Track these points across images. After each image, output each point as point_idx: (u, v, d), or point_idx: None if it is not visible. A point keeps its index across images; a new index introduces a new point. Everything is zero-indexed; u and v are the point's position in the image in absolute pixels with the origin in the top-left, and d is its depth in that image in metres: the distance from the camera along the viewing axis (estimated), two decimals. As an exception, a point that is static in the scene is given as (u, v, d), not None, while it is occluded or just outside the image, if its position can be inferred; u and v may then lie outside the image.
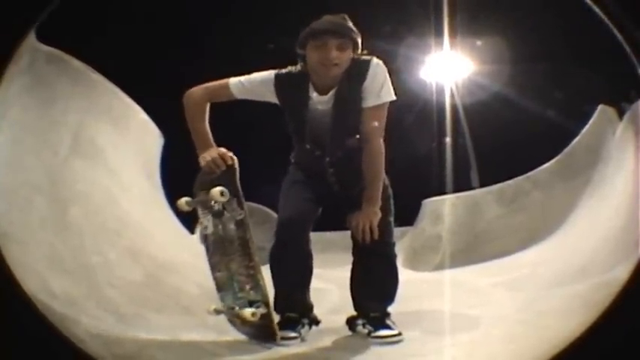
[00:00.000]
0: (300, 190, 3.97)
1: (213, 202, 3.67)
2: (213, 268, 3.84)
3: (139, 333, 3.56)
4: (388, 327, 3.79)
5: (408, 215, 10.64)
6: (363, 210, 3.72)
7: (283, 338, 3.72)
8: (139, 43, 11.90)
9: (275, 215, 4.24)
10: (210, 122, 3.82)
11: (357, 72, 3.70)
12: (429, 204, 10.53)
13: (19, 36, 2.14)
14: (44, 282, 3.47)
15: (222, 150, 3.68)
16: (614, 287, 2.11)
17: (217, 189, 3.56)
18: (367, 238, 3.71)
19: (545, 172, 9.17)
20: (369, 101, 3.73)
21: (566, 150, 8.89)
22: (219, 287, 3.83)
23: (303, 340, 3.82)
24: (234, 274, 3.71)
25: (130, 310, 3.91)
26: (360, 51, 3.73)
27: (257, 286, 3.64)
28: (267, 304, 3.64)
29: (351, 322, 4.04)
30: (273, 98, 3.87)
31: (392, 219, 3.95)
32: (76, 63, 5.29)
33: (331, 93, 3.76)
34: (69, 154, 4.77)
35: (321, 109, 3.80)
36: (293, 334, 3.79)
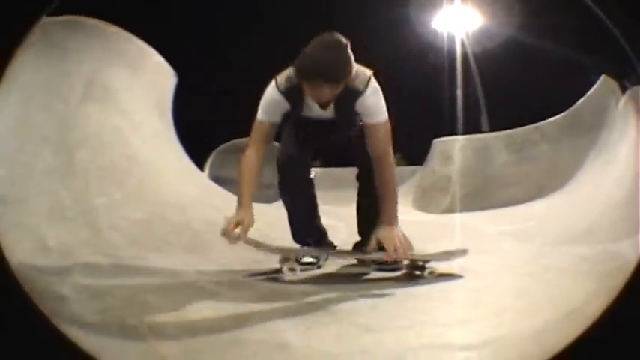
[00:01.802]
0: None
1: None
2: None
3: (134, 277, 3.56)
4: None
5: (418, 155, 10.64)
6: (388, 232, 3.71)
7: (302, 264, 4.00)
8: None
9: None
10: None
11: (355, 92, 3.78)
12: (439, 144, 10.50)
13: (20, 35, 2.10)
14: (40, 237, 3.47)
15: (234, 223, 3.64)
16: (620, 262, 2.06)
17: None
18: (404, 254, 3.74)
19: (552, 125, 9.23)
20: (368, 119, 3.86)
21: (572, 108, 8.98)
22: None
23: (320, 266, 4.10)
24: None
25: (129, 252, 3.94)
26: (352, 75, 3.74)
27: None
28: None
29: (356, 249, 4.23)
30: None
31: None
32: (91, 21, 5.40)
33: (330, 107, 3.89)
34: (80, 101, 4.83)
35: (324, 117, 3.97)
36: (311, 260, 4.08)
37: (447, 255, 3.99)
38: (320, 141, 4.16)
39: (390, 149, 3.87)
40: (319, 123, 4.02)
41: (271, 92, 3.90)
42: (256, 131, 3.93)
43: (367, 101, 3.80)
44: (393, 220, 3.74)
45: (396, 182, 3.85)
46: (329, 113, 3.94)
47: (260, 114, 3.93)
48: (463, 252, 3.96)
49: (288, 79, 3.85)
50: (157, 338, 2.54)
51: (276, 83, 3.88)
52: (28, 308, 2.03)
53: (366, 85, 3.78)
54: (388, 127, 3.88)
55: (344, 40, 3.63)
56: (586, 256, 4.04)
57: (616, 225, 4.44)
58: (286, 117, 3.98)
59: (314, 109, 3.93)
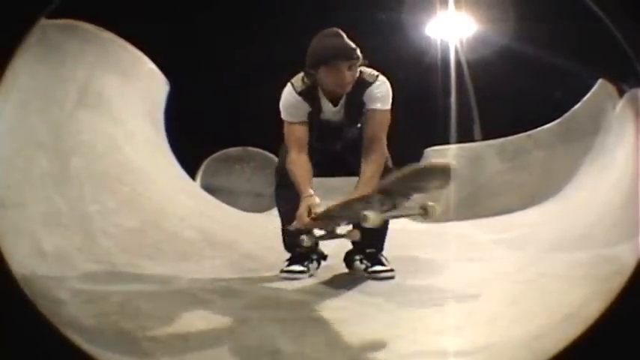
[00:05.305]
0: None
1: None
2: None
3: (127, 283, 3.55)
4: (382, 263, 4.14)
5: (410, 164, 10.66)
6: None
7: (292, 272, 4.05)
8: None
9: (276, 160, 4.43)
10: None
11: (364, 84, 3.96)
12: (432, 153, 10.49)
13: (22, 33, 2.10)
14: (37, 242, 3.48)
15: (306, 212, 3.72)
16: (617, 266, 2.06)
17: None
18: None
19: (546, 133, 9.30)
20: (371, 105, 3.98)
21: (567, 114, 9.04)
22: None
23: (311, 275, 4.12)
24: None
25: (122, 259, 3.94)
26: (362, 61, 3.91)
27: None
28: None
29: (348, 258, 4.34)
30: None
31: None
32: (87, 26, 5.43)
33: (341, 103, 4.01)
34: (75, 107, 4.86)
35: (332, 119, 4.07)
36: (301, 269, 4.08)
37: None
38: (324, 147, 4.19)
39: (383, 136, 3.99)
40: (327, 126, 4.08)
41: (289, 95, 4.01)
42: (291, 133, 4.03)
43: (374, 90, 3.96)
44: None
45: (379, 171, 3.89)
46: (339, 111, 4.02)
47: (287, 117, 4.03)
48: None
49: (303, 81, 3.99)
50: (149, 344, 2.52)
51: (293, 86, 4.00)
52: (29, 309, 2.02)
53: (375, 78, 3.98)
54: (387, 117, 4.02)
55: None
56: (582, 261, 4.04)
57: (613, 229, 4.44)
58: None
59: (326, 110, 4.02)
